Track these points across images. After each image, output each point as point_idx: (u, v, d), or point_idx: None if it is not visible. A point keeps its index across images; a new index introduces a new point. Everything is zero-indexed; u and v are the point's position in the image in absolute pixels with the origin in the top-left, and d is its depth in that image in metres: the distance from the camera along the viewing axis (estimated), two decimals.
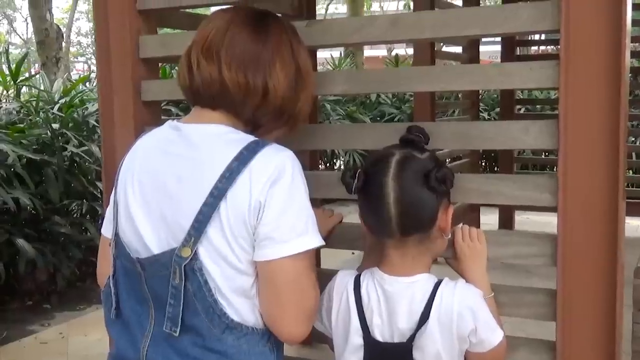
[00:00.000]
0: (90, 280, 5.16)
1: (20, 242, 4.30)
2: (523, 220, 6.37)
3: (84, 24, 32.66)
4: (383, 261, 1.46)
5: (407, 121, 8.26)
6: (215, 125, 1.38)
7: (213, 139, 1.35)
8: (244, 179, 1.28)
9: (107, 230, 1.52)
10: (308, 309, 1.35)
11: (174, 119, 1.45)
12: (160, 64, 3.06)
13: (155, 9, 1.99)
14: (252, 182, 1.27)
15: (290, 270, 1.30)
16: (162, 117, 2.25)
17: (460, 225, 1.56)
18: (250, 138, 1.35)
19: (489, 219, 5.96)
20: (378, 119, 8.69)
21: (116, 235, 1.44)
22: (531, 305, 1.56)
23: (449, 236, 1.49)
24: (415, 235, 1.41)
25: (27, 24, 25.93)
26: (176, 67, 5.80)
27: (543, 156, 7.39)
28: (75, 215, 5.03)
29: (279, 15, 1.53)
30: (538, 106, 7.91)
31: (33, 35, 11.07)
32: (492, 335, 1.41)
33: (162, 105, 4.53)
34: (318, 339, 1.58)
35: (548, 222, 6.27)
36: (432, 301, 1.39)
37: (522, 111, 7.83)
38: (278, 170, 1.29)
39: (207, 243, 1.29)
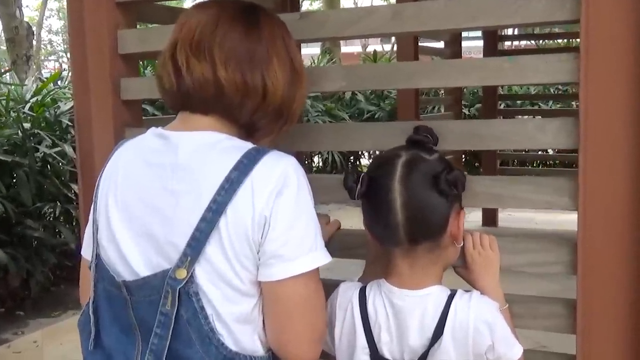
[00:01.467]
0: (65, 285, 5.03)
1: None
2: (505, 217, 6.32)
3: (55, 22, 32.18)
4: (390, 272, 1.34)
5: (387, 118, 8.19)
6: (207, 132, 1.24)
7: (207, 148, 1.21)
8: (246, 190, 1.15)
9: (87, 253, 1.37)
10: (319, 331, 1.24)
11: (157, 126, 1.30)
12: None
13: (135, 1, 1.85)
14: (255, 194, 1.15)
15: (300, 291, 1.18)
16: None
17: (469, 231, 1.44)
18: (249, 145, 1.21)
19: (473, 217, 5.89)
20: (356, 115, 8.59)
21: (97, 257, 1.29)
22: (548, 316, 1.45)
23: (461, 244, 1.37)
24: (424, 244, 1.30)
25: None
26: (152, 65, 5.63)
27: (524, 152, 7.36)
28: (48, 218, 4.90)
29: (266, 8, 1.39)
30: (518, 102, 7.86)
31: (3, 34, 10.82)
32: (511, 351, 1.30)
33: None
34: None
35: (531, 218, 6.27)
36: (446, 316, 1.27)
37: (502, 107, 7.77)
38: (283, 180, 1.16)
39: (206, 263, 1.15)
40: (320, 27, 1.53)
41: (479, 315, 1.27)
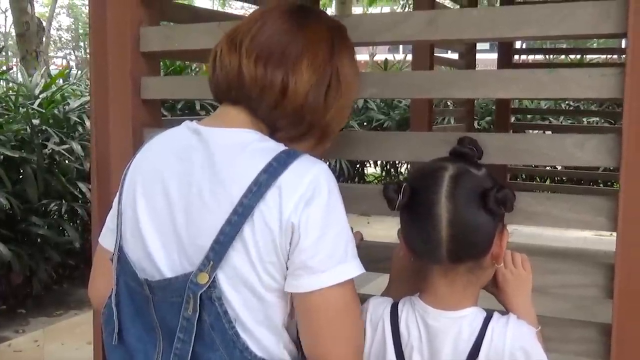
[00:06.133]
0: (67, 285, 4.98)
1: None
2: (511, 231, 6.20)
3: (64, 19, 32.25)
4: (426, 290, 1.28)
5: (395, 127, 8.14)
6: (239, 130, 1.20)
7: (238, 148, 1.16)
8: (273, 194, 1.09)
9: (106, 241, 1.33)
10: (356, 344, 1.18)
11: (192, 119, 1.27)
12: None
13: None
14: (283, 200, 1.09)
15: (333, 302, 1.13)
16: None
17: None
18: (281, 147, 1.16)
19: None
20: (365, 124, 8.55)
21: (120, 249, 1.25)
22: (581, 341, 1.40)
23: (501, 264, 1.31)
24: (466, 263, 1.24)
25: (7, 17, 25.53)
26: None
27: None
28: (53, 216, 4.85)
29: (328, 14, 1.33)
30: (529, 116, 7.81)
31: (12, 29, 10.79)
32: None
33: None
34: None
35: (539, 234, 6.20)
36: (482, 340, 1.21)
37: (512, 120, 7.71)
38: (313, 187, 1.11)
39: (229, 268, 1.11)
40: (353, 31, 1.48)
41: (515, 341, 1.21)
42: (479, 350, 1.21)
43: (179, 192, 1.17)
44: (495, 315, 1.25)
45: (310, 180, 1.12)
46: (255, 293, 1.12)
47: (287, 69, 1.20)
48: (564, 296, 1.44)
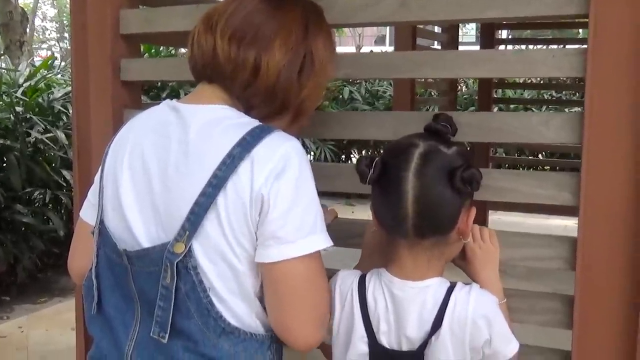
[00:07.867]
0: (51, 272, 5.00)
1: None
2: (494, 220, 6.31)
3: (49, 10, 32.04)
4: (393, 262, 1.33)
5: None
6: (215, 106, 1.24)
7: (213, 123, 1.21)
8: (246, 167, 1.14)
9: (87, 215, 1.38)
10: (321, 313, 1.23)
11: (172, 99, 1.31)
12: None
13: None
14: (254, 172, 1.14)
15: (299, 273, 1.17)
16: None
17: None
18: (255, 123, 1.21)
19: None
20: None
21: (101, 223, 1.29)
22: (546, 312, 1.45)
23: (468, 240, 1.36)
24: (431, 238, 1.28)
25: None
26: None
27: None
28: (37, 204, 4.85)
29: None
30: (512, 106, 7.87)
31: None
32: (507, 347, 1.29)
33: None
34: None
35: (521, 222, 6.26)
36: (445, 308, 1.26)
37: (495, 110, 7.79)
38: (284, 161, 1.15)
39: (204, 238, 1.15)
40: (326, 12, 1.52)
41: (478, 309, 1.26)
42: (442, 318, 1.25)
43: (157, 165, 1.22)
44: (459, 285, 1.29)
45: (281, 154, 1.16)
46: (228, 263, 1.17)
47: (260, 48, 1.24)
48: (531, 269, 1.49)
